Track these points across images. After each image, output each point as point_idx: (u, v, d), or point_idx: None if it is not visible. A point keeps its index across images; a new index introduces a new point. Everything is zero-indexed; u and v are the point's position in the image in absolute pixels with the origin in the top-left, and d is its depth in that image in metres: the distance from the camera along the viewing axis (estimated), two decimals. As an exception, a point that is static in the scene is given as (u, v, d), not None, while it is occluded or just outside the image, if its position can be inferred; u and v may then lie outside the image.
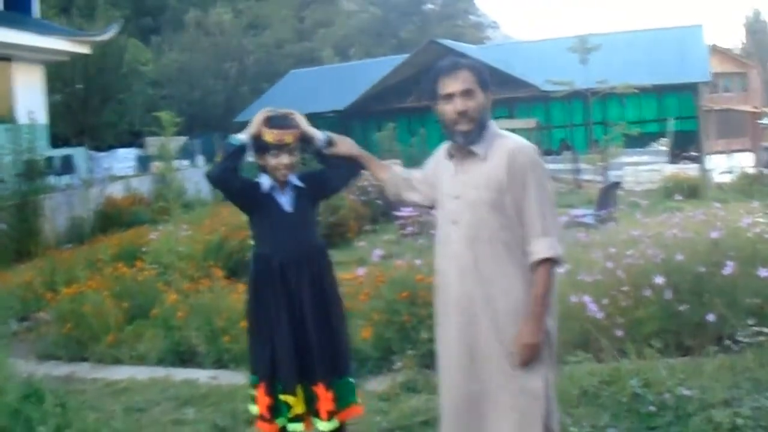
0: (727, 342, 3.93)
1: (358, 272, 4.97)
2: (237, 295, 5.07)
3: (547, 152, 19.35)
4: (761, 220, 4.50)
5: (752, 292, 4.01)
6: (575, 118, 21.33)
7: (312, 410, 2.90)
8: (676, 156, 19.49)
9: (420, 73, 17.86)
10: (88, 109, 21.61)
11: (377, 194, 10.84)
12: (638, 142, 17.88)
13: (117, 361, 5.31)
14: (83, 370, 5.23)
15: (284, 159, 2.86)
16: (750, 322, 3.89)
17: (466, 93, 2.42)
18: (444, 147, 2.59)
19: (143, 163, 18.00)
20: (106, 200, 12.66)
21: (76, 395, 4.23)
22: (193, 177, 11.72)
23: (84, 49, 16.22)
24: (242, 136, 2.83)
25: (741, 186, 13.69)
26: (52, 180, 12.99)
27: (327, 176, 3.00)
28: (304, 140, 2.92)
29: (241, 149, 2.81)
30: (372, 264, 5.25)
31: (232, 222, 7.82)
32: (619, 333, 3.95)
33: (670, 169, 16.70)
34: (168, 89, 27.46)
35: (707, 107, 21.88)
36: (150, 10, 33.75)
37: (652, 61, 19.61)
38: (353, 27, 39.10)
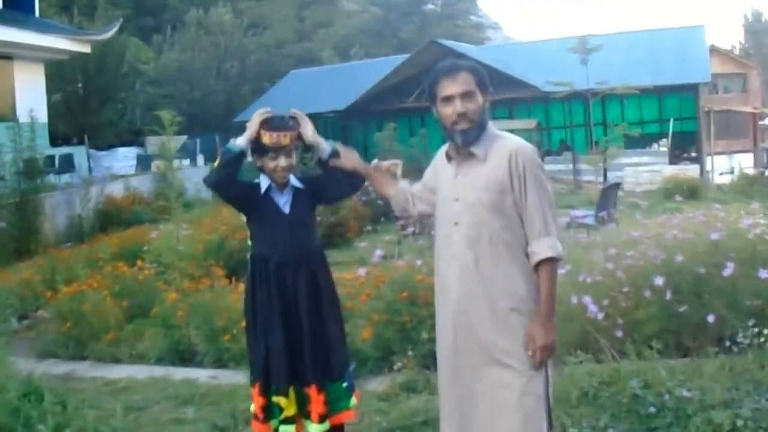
0: (728, 343, 3.93)
1: (359, 272, 4.97)
2: (237, 295, 5.07)
3: (547, 153, 19.35)
4: (761, 221, 4.49)
5: (752, 293, 4.01)
6: (575, 118, 21.33)
7: (304, 412, 2.90)
8: (676, 157, 19.49)
9: (420, 74, 17.84)
10: (88, 107, 21.60)
11: (378, 195, 10.83)
12: (638, 142, 17.90)
13: (116, 360, 5.32)
14: (83, 368, 5.24)
15: (282, 161, 2.85)
16: (750, 323, 3.89)
17: (466, 95, 2.42)
18: (443, 150, 2.59)
19: (143, 162, 17.98)
20: (106, 199, 12.65)
21: (76, 394, 4.23)
22: (194, 176, 11.69)
23: (84, 48, 16.22)
24: (240, 142, 2.80)
25: (741, 187, 13.70)
26: (52, 178, 13.03)
27: (327, 185, 2.98)
28: (307, 148, 2.92)
29: (240, 157, 2.79)
30: (372, 264, 5.25)
31: (233, 221, 7.83)
32: (619, 334, 3.95)
33: (671, 170, 16.72)
34: (168, 88, 27.42)
35: (707, 108, 21.85)
36: (150, 10, 33.74)
37: (652, 62, 19.60)
38: (353, 27, 39.07)
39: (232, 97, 28.15)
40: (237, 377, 4.44)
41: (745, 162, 21.30)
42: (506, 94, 18.00)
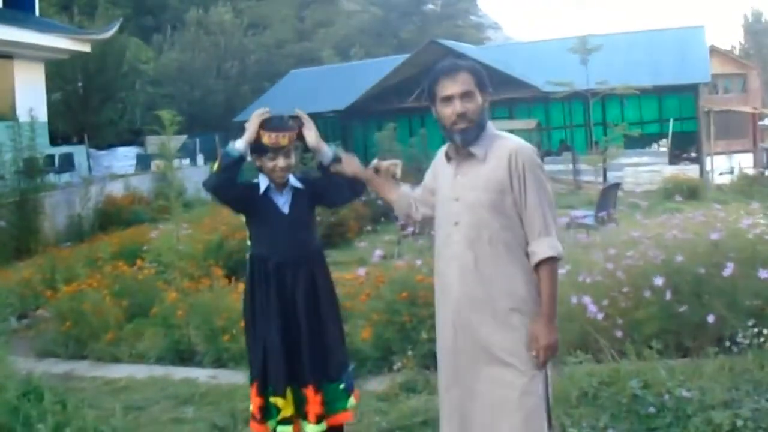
0: (727, 343, 3.93)
1: (359, 272, 4.97)
2: (237, 295, 5.06)
3: (546, 153, 19.34)
4: (761, 221, 4.49)
5: (752, 293, 4.01)
6: (575, 119, 21.32)
7: (301, 413, 2.90)
8: (676, 157, 19.49)
9: (420, 74, 17.83)
10: (88, 107, 21.61)
11: (378, 195, 10.82)
12: (638, 143, 17.90)
13: (116, 360, 5.32)
14: (82, 368, 5.24)
15: (281, 161, 2.84)
16: (750, 323, 3.89)
17: (466, 95, 2.42)
18: (442, 150, 2.59)
19: (143, 161, 17.98)
20: (106, 198, 12.66)
21: (75, 393, 4.23)
22: (194, 176, 11.72)
23: (84, 48, 16.23)
24: (239, 146, 2.78)
25: (741, 187, 13.71)
26: (52, 178, 13.03)
27: (328, 189, 2.97)
28: (307, 148, 2.91)
29: (239, 161, 2.78)
30: (372, 264, 5.25)
31: (232, 221, 7.82)
32: (619, 334, 3.95)
33: (670, 170, 16.72)
34: (168, 88, 27.43)
35: (707, 108, 21.85)
36: (151, 9, 33.74)
37: (652, 62, 19.60)
38: (353, 27, 39.07)
39: (232, 96, 28.16)
40: (236, 377, 4.45)
41: (745, 162, 21.31)
42: (506, 94, 18.01)
